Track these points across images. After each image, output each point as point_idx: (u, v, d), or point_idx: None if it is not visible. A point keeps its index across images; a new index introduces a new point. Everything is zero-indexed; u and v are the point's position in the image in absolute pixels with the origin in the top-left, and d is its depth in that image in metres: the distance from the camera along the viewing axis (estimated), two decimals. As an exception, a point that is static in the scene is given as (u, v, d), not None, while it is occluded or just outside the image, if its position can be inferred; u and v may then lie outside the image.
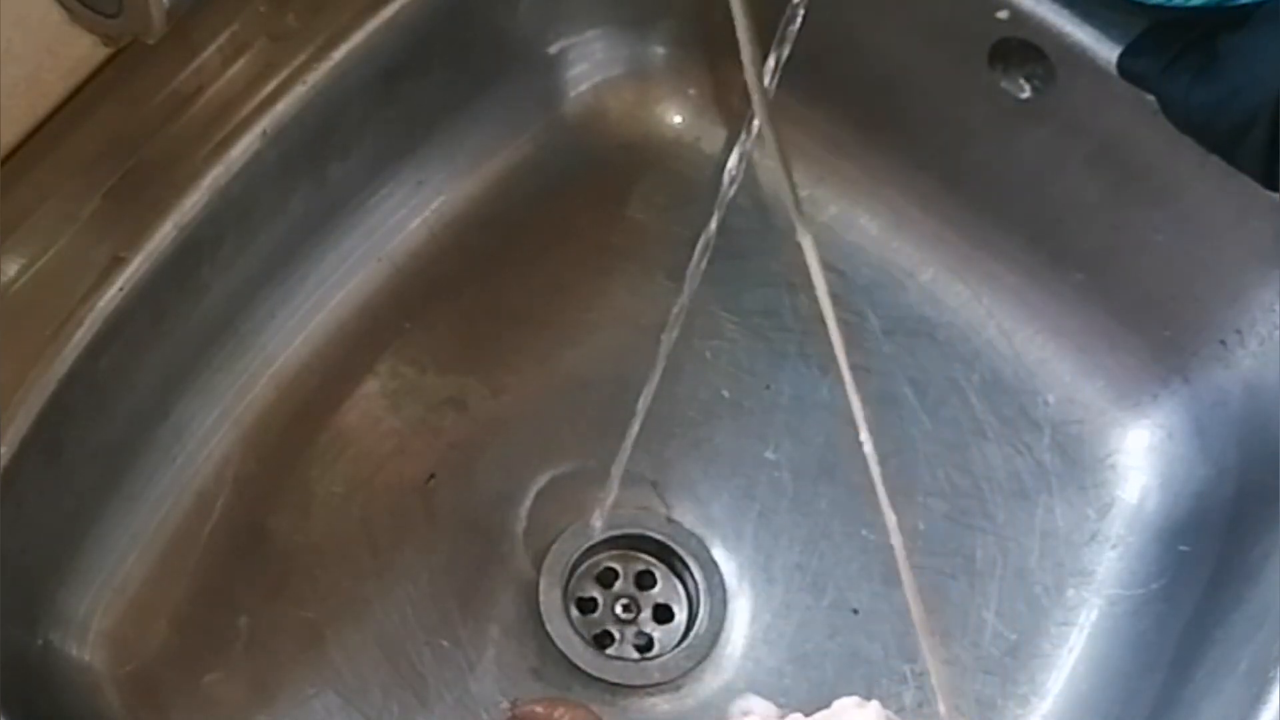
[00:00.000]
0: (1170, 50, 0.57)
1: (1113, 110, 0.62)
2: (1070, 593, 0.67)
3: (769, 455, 0.69)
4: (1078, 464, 0.69)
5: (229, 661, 0.62)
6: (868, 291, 0.72)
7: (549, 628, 0.64)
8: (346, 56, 0.62)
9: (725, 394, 0.70)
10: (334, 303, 0.69)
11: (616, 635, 0.66)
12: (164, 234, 0.58)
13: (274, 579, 0.64)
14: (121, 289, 0.57)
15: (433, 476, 0.67)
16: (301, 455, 0.66)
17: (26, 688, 0.56)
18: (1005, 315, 0.72)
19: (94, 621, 0.61)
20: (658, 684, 0.64)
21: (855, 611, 0.66)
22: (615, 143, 0.75)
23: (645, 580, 0.67)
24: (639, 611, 0.66)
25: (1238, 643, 0.59)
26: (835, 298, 0.45)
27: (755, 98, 0.42)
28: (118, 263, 0.57)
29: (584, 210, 0.73)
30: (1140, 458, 0.69)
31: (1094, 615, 0.66)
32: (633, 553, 0.67)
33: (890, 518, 0.46)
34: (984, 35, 0.64)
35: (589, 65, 0.74)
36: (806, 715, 0.47)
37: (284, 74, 0.61)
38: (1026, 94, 0.65)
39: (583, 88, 0.74)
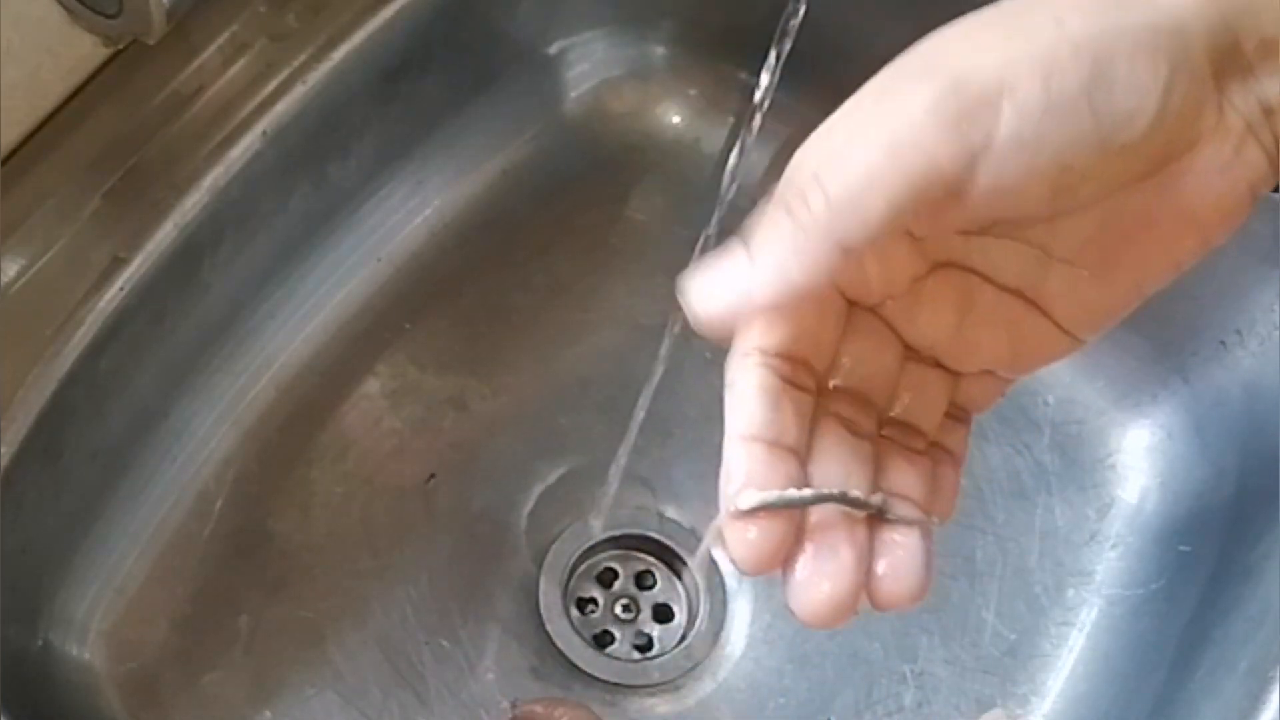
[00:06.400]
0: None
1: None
2: (1070, 593, 0.67)
3: (769, 455, 0.69)
4: (1077, 464, 0.69)
5: (229, 661, 0.62)
6: (867, 291, 0.72)
7: (549, 627, 0.64)
8: (346, 57, 0.62)
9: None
10: (334, 303, 0.69)
11: (616, 635, 0.66)
12: (164, 234, 0.58)
13: (274, 579, 0.64)
14: (122, 289, 0.57)
15: (433, 476, 0.67)
16: (301, 455, 0.66)
17: (26, 688, 0.56)
18: (1005, 315, 0.72)
19: (94, 621, 0.61)
20: (657, 684, 0.64)
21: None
22: (615, 143, 0.75)
23: (645, 580, 0.67)
24: (638, 611, 0.66)
25: (1237, 643, 0.59)
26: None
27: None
28: (118, 263, 0.57)
29: (584, 210, 0.73)
30: (1140, 458, 0.69)
31: (1094, 615, 0.66)
32: (632, 553, 0.67)
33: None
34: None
35: (589, 65, 0.74)
36: None
37: (284, 74, 0.61)
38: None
39: (583, 88, 0.74)
